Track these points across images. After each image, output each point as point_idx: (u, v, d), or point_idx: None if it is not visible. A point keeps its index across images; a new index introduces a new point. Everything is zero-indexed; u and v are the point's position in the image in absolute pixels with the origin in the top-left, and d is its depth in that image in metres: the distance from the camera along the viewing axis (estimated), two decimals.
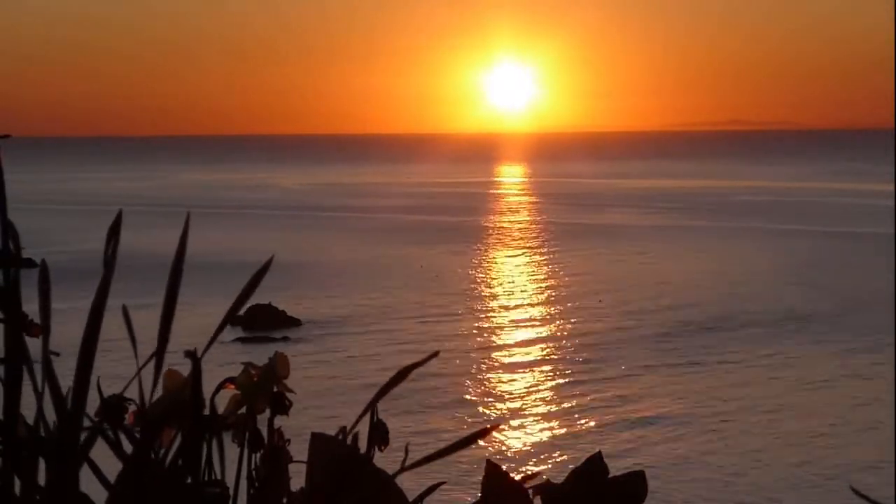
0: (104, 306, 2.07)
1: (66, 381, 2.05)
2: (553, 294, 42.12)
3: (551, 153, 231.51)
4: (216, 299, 30.58)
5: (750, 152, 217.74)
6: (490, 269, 49.88)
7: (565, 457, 22.01)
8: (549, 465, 21.50)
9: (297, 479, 2.37)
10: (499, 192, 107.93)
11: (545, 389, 27.73)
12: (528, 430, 24.31)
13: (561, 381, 28.44)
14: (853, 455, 22.02)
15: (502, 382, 28.49)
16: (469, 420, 24.66)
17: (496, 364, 30.44)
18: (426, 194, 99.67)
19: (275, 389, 2.32)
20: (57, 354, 2.12)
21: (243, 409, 2.32)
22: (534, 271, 49.23)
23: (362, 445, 2.38)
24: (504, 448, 22.79)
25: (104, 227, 2.13)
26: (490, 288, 44.14)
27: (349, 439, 2.34)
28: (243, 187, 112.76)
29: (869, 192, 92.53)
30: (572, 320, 36.32)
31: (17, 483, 2.04)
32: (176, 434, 2.14)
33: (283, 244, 53.37)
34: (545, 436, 23.91)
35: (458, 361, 29.59)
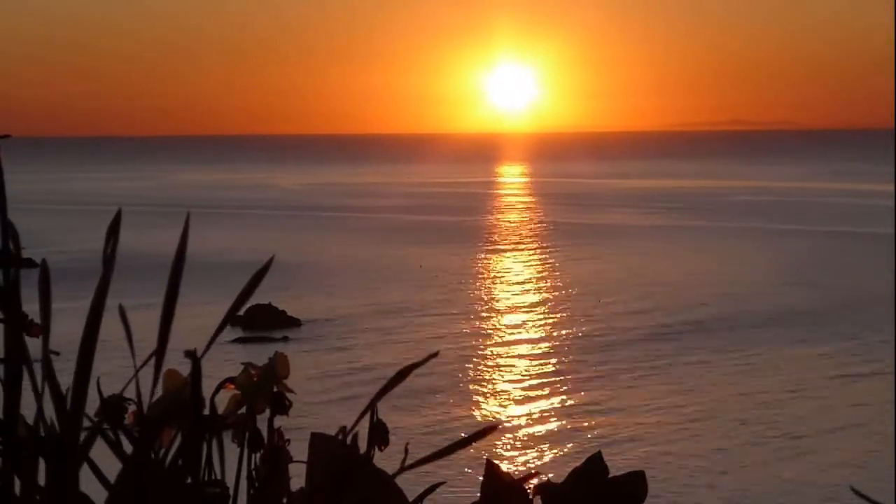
0: (103, 306, 2.07)
1: (66, 380, 2.05)
2: (553, 294, 42.13)
3: (551, 153, 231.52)
4: (216, 299, 30.55)
5: (750, 152, 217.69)
6: (490, 269, 49.88)
7: (565, 457, 22.02)
8: (549, 465, 21.50)
9: (297, 479, 2.37)
10: (499, 192, 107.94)
11: (545, 389, 27.73)
12: (528, 430, 24.32)
13: (561, 380, 28.45)
14: (854, 455, 22.03)
15: (502, 382, 28.50)
16: (469, 420, 24.68)
17: (496, 364, 30.44)
18: (426, 194, 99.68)
19: (275, 389, 2.32)
20: (57, 354, 2.12)
21: (243, 409, 2.32)
22: (533, 271, 49.24)
23: (362, 445, 2.38)
24: (504, 448, 22.80)
25: (104, 227, 2.13)
26: (490, 288, 44.15)
27: (349, 439, 2.34)
28: (243, 187, 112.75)
29: (869, 192, 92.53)
30: (572, 320, 36.33)
31: (18, 483, 2.04)
32: (176, 434, 2.14)
33: (283, 244, 53.36)
34: (545, 436, 23.92)
35: (457, 361, 29.59)
